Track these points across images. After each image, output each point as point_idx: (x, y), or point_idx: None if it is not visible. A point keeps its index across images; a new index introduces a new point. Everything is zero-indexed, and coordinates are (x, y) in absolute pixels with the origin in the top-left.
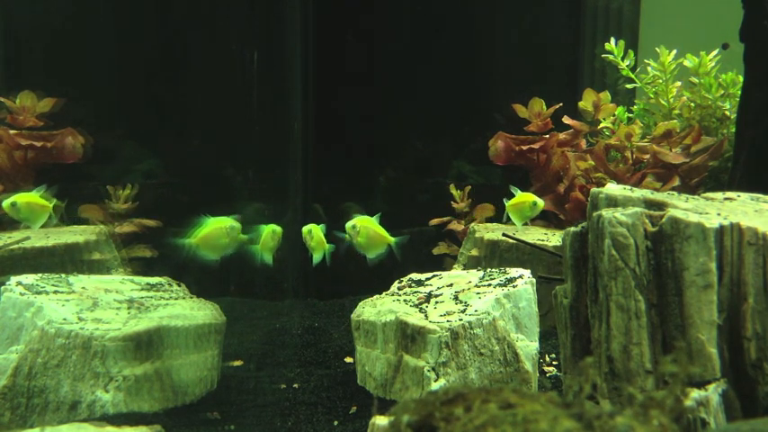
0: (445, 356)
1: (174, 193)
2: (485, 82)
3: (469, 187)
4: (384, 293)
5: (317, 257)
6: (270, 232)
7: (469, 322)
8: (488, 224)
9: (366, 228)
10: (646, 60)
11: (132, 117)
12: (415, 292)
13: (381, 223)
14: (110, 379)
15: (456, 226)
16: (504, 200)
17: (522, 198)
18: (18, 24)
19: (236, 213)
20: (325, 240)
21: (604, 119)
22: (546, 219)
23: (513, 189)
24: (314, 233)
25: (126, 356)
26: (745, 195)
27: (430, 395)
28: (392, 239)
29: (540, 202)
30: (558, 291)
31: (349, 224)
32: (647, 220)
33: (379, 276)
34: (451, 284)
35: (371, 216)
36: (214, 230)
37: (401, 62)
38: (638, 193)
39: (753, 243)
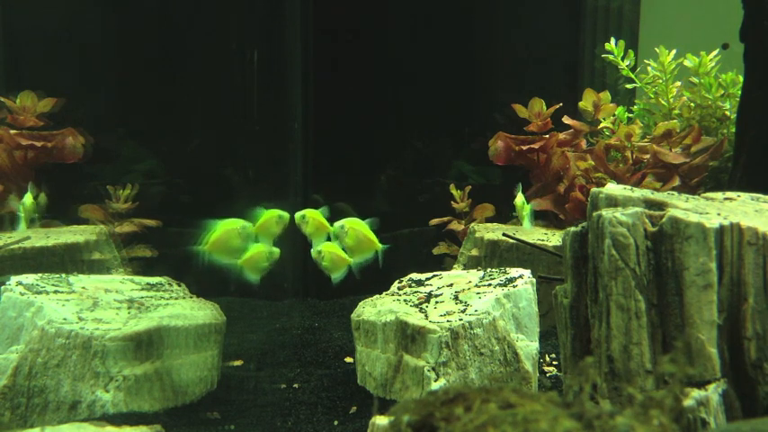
0: (445, 356)
1: (174, 192)
2: (485, 82)
3: (469, 187)
4: (384, 293)
5: (316, 243)
6: (276, 217)
7: (469, 322)
8: (488, 224)
9: (355, 230)
10: (646, 60)
11: (132, 117)
12: (416, 292)
13: (376, 227)
14: (110, 379)
15: (456, 226)
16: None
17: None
18: (18, 24)
19: (248, 211)
20: (327, 224)
21: (604, 119)
22: (546, 219)
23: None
24: (308, 218)
25: (126, 356)
26: (745, 195)
27: (430, 395)
28: (380, 246)
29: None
30: (558, 291)
31: (337, 224)
32: (647, 220)
33: (379, 276)
34: (451, 284)
35: (363, 219)
36: (224, 233)
37: (401, 62)
38: (639, 192)
39: (753, 243)
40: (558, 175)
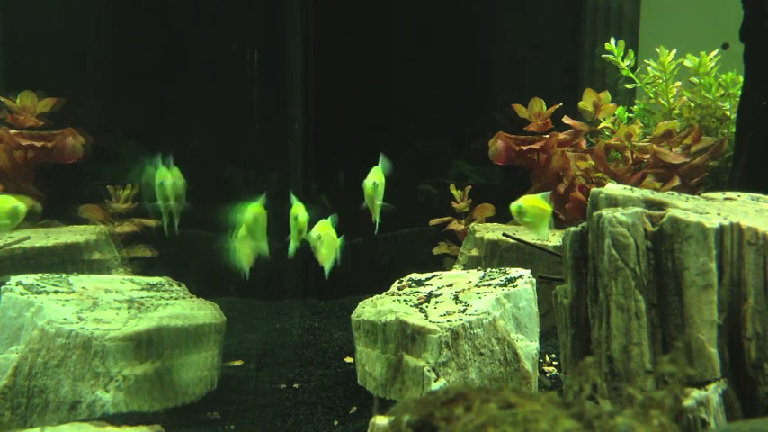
0: (445, 356)
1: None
2: (485, 82)
3: (469, 187)
4: (384, 293)
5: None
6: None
7: (470, 322)
8: (488, 224)
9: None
10: (646, 60)
11: (132, 117)
12: (416, 292)
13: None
14: (110, 379)
15: (456, 226)
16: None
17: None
18: (18, 24)
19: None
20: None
21: (604, 119)
22: None
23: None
24: (300, 220)
25: (126, 356)
26: (745, 195)
27: (430, 395)
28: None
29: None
30: (558, 291)
31: (314, 234)
32: (647, 220)
33: (379, 276)
34: (451, 284)
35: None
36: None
37: (402, 61)
38: (639, 192)
39: (753, 243)
40: (557, 175)
